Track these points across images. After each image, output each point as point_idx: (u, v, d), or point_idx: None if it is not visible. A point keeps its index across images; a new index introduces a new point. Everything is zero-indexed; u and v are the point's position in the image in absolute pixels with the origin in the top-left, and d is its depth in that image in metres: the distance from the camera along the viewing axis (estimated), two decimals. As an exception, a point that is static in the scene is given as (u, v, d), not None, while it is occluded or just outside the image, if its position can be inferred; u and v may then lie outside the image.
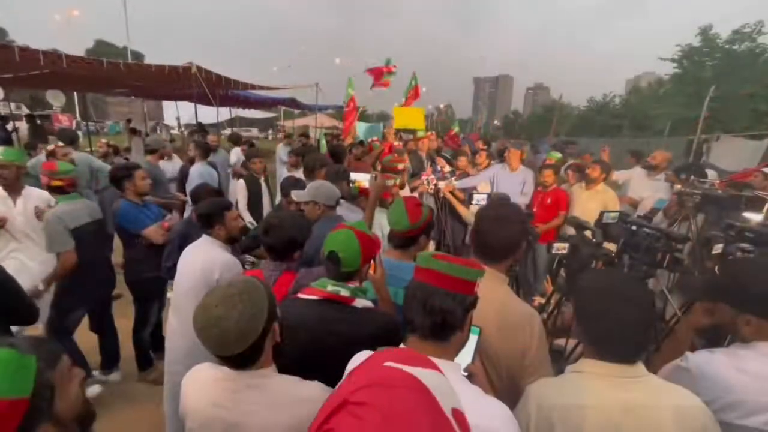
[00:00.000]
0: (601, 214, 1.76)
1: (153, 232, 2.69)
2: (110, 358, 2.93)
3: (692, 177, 3.14)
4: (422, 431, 0.44)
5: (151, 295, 2.85)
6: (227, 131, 13.31)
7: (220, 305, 0.96)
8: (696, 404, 0.96)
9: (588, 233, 1.70)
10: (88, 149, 9.12)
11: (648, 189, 4.09)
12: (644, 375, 0.98)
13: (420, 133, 5.59)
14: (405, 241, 1.74)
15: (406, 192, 3.43)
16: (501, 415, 0.90)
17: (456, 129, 9.98)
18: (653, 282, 1.88)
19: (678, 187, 3.45)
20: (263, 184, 4.09)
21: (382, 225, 2.29)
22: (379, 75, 7.24)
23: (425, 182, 3.92)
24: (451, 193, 3.92)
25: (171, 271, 2.36)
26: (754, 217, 2.06)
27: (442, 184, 3.87)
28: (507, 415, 0.91)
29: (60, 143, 4.00)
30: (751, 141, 8.36)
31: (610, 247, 1.68)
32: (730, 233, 1.77)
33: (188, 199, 3.73)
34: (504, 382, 1.27)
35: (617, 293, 0.99)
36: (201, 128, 8.81)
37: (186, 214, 4.07)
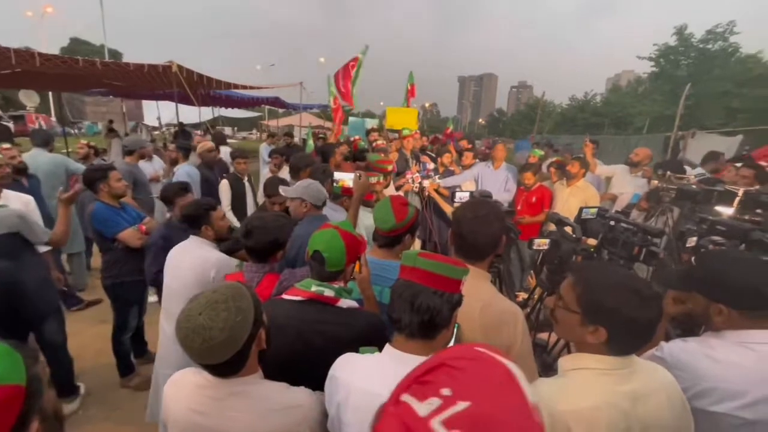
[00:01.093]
0: (581, 210, 1.81)
1: (129, 235, 2.62)
2: (62, 387, 2.61)
3: (668, 173, 3.23)
4: (515, 402, 0.47)
5: (130, 299, 2.78)
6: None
7: (204, 313, 0.93)
8: (672, 380, 1.01)
9: (568, 229, 1.74)
10: (65, 151, 8.85)
11: (630, 185, 4.19)
12: (636, 362, 1.00)
13: (405, 132, 5.60)
14: (390, 240, 1.74)
15: (391, 190, 3.43)
16: None
17: (451, 127, 11.29)
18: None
19: (655, 182, 3.55)
20: (247, 185, 4.04)
21: (366, 225, 2.29)
22: (347, 79, 7.17)
23: (410, 180, 3.94)
24: (436, 190, 3.95)
25: (157, 277, 2.31)
26: (725, 211, 2.14)
27: (426, 183, 3.89)
28: None
29: (6, 145, 3.82)
30: (724, 137, 8.66)
31: (590, 242, 1.72)
32: (703, 227, 1.83)
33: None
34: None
35: (634, 288, 0.95)
36: (182, 128, 8.64)
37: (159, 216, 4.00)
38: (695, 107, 18.77)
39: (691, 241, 1.79)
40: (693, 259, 1.69)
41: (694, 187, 2.37)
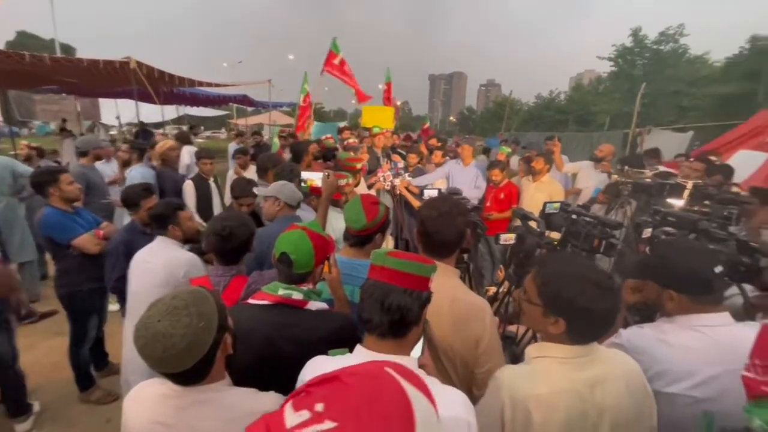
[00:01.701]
0: (544, 204, 1.87)
1: (85, 241, 2.47)
2: (12, 406, 2.48)
3: (626, 167, 3.40)
4: (393, 420, 0.45)
5: (88, 308, 2.63)
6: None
7: (165, 319, 0.90)
8: (634, 366, 1.07)
9: (533, 224, 1.79)
10: (13, 153, 8.23)
11: (593, 180, 4.38)
12: (597, 349, 1.04)
13: (375, 130, 5.59)
14: (361, 239, 1.74)
15: (362, 189, 3.42)
16: (461, 403, 0.93)
17: (428, 123, 12.24)
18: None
19: (615, 177, 3.72)
20: (213, 186, 3.90)
21: (335, 225, 2.27)
22: (351, 77, 7.13)
23: (382, 179, 3.94)
24: (407, 188, 3.98)
25: (119, 284, 2.20)
26: (676, 203, 2.28)
27: (397, 181, 3.91)
28: (466, 401, 0.94)
29: None
30: (677, 133, 9.19)
31: (554, 235, 1.78)
32: (656, 218, 1.93)
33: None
34: (459, 372, 1.31)
35: (590, 280, 0.99)
36: (143, 128, 8.25)
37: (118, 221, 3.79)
38: (651, 105, 19.87)
39: (647, 232, 1.89)
40: (647, 249, 1.79)
41: (648, 180, 2.51)
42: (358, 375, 0.49)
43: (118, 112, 14.80)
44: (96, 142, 4.40)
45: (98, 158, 4.13)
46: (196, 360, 0.92)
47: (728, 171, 3.56)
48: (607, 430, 0.98)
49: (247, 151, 4.85)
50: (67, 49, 31.14)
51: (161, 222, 2.08)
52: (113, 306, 3.10)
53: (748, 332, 0.96)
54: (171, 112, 15.37)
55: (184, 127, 11.53)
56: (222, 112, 23.32)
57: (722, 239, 1.63)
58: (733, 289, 1.53)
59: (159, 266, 1.95)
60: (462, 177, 4.43)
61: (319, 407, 0.45)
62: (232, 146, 7.32)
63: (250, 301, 1.32)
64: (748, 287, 1.52)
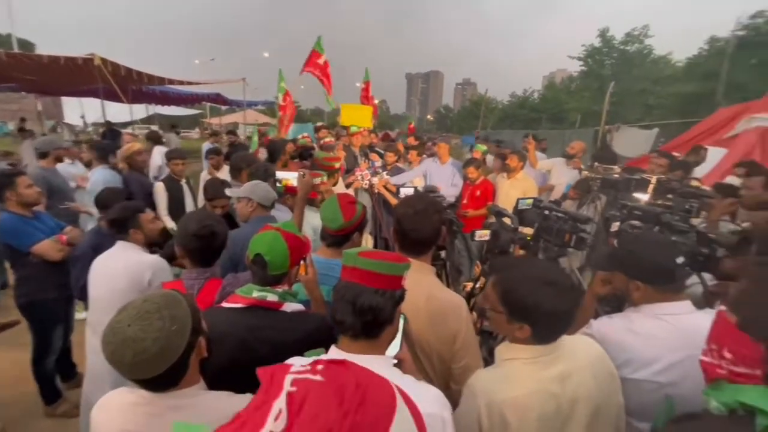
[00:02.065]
0: (517, 201, 1.91)
1: (47, 247, 2.35)
2: None
3: (596, 164, 3.52)
4: (331, 413, 0.46)
5: (53, 318, 2.51)
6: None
7: (135, 324, 0.87)
8: (597, 352, 1.11)
9: (507, 220, 1.83)
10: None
11: (566, 176, 4.51)
12: (562, 344, 1.07)
13: (353, 129, 5.56)
14: (338, 239, 1.73)
15: (341, 188, 3.40)
16: (436, 399, 0.94)
17: (413, 122, 11.95)
18: (565, 261, 2.09)
19: (585, 173, 3.85)
20: (185, 187, 3.78)
21: (312, 224, 2.25)
22: (313, 63, 7.00)
23: (359, 178, 3.93)
24: (385, 187, 3.98)
25: (86, 291, 2.11)
26: (642, 197, 2.38)
27: (375, 179, 3.91)
28: (441, 397, 0.96)
29: None
30: (643, 130, 9.60)
31: (526, 231, 1.83)
32: (623, 212, 2.01)
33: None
34: (436, 368, 1.33)
35: (550, 283, 1.01)
36: (110, 128, 7.92)
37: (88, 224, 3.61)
38: (619, 104, 20.65)
39: (615, 226, 1.96)
40: (615, 242, 1.86)
41: (616, 176, 2.61)
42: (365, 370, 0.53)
43: (83, 112, 14.14)
44: (56, 142, 4.16)
45: (60, 160, 3.91)
46: (169, 365, 0.89)
47: (688, 166, 3.75)
48: (580, 418, 1.02)
49: (221, 151, 4.72)
50: (26, 44, 29.47)
51: (120, 227, 2.00)
52: (80, 314, 2.97)
53: (707, 319, 1.01)
54: (140, 111, 14.81)
55: (154, 127, 11.15)
56: (195, 111, 22.69)
57: (684, 231, 1.72)
58: (694, 278, 1.61)
59: (119, 271, 1.88)
60: (439, 175, 4.48)
61: (320, 367, 0.51)
62: (206, 146, 7.13)
63: (224, 304, 1.29)
64: (707, 276, 1.61)
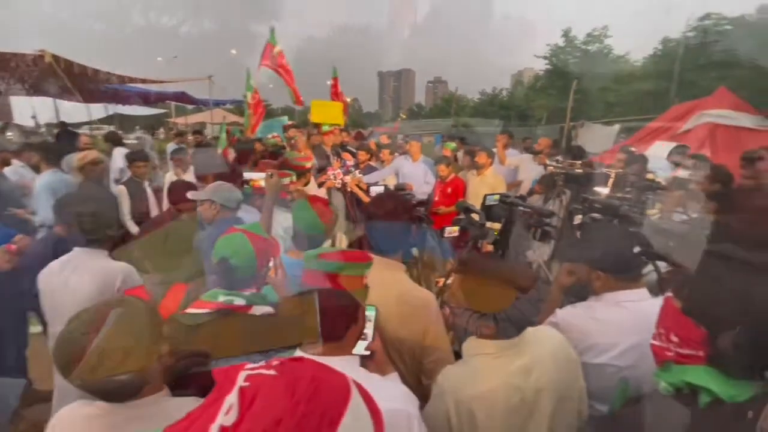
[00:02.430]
0: (485, 197, 1.95)
1: None
2: None
3: (560, 158, 3.64)
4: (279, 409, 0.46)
5: (2, 332, 2.35)
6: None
7: (90, 333, 0.82)
8: (557, 339, 1.15)
9: (475, 215, 1.87)
10: None
11: (533, 172, 4.64)
12: (524, 336, 1.10)
13: (325, 128, 5.51)
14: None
15: (313, 187, 3.36)
16: (402, 395, 0.95)
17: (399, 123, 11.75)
18: (531, 254, 2.17)
19: (550, 168, 3.98)
20: (148, 190, 3.63)
21: (283, 225, 2.21)
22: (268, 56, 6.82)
23: (332, 177, 3.90)
24: (358, 186, 3.97)
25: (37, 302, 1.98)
26: (601, 191, 2.49)
27: (348, 178, 3.89)
28: (408, 394, 0.97)
29: None
30: (605, 127, 10.06)
31: (494, 226, 1.87)
32: (585, 205, 2.10)
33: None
34: (407, 362, 1.34)
35: (514, 282, 1.05)
36: (65, 128, 7.47)
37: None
38: (582, 101, 21.50)
39: (578, 219, 2.04)
40: (578, 234, 1.94)
41: (578, 170, 2.72)
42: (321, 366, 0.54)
43: (34, 112, 13.22)
44: (1, 145, 3.88)
45: (6, 163, 3.64)
46: (126, 375, 0.85)
47: (645, 160, 3.95)
48: (545, 407, 1.06)
49: (186, 152, 4.56)
50: (-33, 39, 27.29)
51: (94, 233, 1.87)
52: (35, 327, 2.79)
53: (660, 305, 1.08)
54: (99, 110, 14.02)
55: (111, 127, 10.59)
56: (159, 110, 21.73)
57: (640, 222, 1.81)
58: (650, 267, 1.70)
59: (85, 278, 1.78)
60: (412, 173, 4.50)
61: (275, 363, 0.52)
62: (171, 146, 6.85)
63: (189, 310, 1.25)
64: (661, 264, 1.70)
